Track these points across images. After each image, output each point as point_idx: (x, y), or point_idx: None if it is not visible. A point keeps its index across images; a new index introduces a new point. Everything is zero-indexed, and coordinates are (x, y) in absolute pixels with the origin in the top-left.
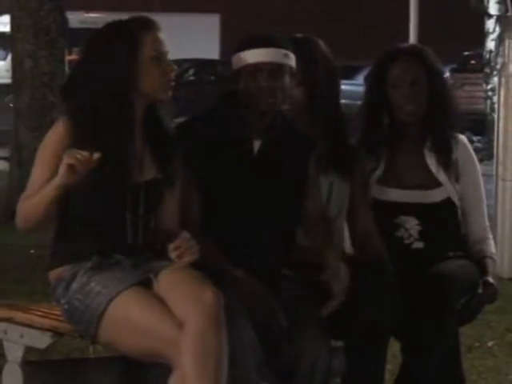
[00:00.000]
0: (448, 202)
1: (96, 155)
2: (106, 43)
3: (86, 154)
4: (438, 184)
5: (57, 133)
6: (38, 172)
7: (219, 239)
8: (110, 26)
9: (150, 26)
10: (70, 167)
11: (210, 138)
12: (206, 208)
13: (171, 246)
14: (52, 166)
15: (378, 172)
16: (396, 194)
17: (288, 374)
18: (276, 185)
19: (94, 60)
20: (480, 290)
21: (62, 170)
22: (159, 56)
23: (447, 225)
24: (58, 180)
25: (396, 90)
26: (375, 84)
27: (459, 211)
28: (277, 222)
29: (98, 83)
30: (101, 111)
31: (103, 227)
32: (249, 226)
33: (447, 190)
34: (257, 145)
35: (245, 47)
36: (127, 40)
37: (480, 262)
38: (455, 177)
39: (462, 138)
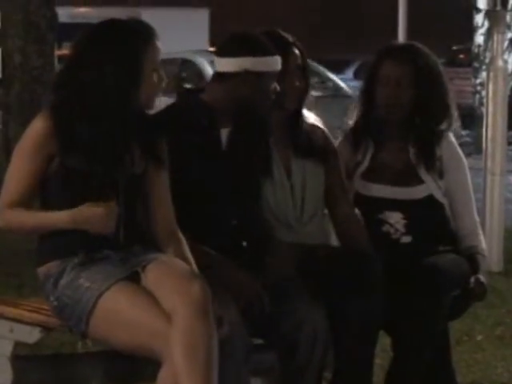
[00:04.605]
0: (431, 199)
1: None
2: (111, 53)
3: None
4: (419, 181)
5: (37, 130)
6: (16, 176)
7: (194, 227)
8: (113, 33)
9: (151, 36)
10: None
11: (179, 129)
12: (179, 197)
13: None
14: (31, 164)
15: (363, 167)
16: (379, 190)
17: (288, 348)
18: (242, 170)
19: (96, 67)
20: (471, 287)
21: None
22: (158, 68)
23: (433, 219)
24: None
25: (382, 89)
26: (367, 81)
27: (446, 207)
28: (246, 207)
29: (97, 92)
30: (96, 119)
31: None
32: (221, 213)
33: (429, 187)
34: (224, 133)
35: (261, 53)
36: (133, 54)
37: (471, 258)
38: (439, 174)
39: (448, 134)
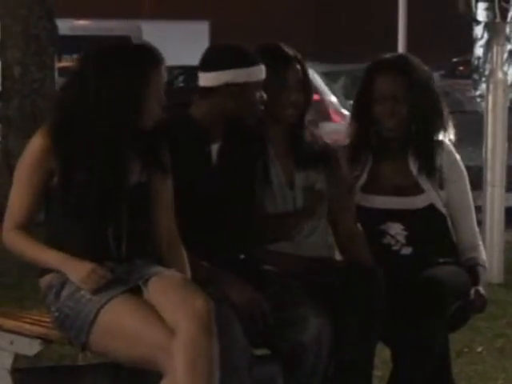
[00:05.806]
0: (431, 209)
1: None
2: (117, 76)
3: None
4: (420, 190)
5: (36, 147)
6: (19, 195)
7: (190, 242)
8: (121, 56)
9: (158, 61)
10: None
11: (170, 145)
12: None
13: None
14: (31, 184)
15: (362, 180)
16: (380, 201)
17: (293, 355)
18: (232, 184)
19: (102, 88)
20: (471, 298)
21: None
22: (160, 92)
23: (433, 230)
24: (66, 271)
25: (378, 106)
26: (361, 95)
27: (447, 218)
28: (237, 218)
29: (97, 117)
30: (94, 140)
31: (87, 236)
32: (213, 226)
33: (430, 196)
34: (215, 149)
35: (241, 64)
36: (139, 79)
37: (471, 269)
38: (439, 183)
39: (448, 144)
